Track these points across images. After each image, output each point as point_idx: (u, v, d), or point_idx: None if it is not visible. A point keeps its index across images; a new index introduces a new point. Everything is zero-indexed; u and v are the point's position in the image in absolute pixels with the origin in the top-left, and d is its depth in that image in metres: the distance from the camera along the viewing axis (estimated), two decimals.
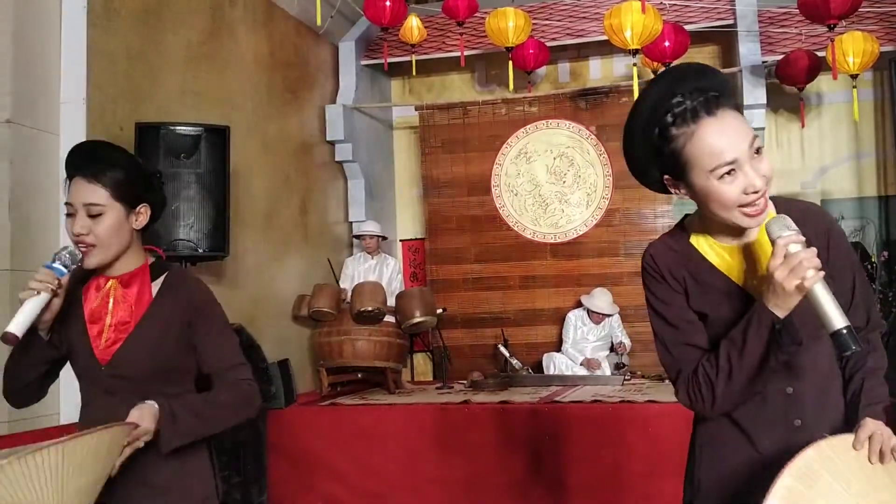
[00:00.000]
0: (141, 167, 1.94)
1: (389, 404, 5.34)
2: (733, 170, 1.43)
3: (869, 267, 6.82)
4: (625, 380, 6.13)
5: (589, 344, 6.75)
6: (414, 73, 7.08)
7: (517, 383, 6.11)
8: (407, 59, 7.09)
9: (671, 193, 1.60)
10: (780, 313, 1.40)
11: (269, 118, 6.25)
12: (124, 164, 1.88)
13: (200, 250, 4.48)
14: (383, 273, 6.67)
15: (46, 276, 1.74)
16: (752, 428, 1.56)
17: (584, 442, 4.68)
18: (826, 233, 1.56)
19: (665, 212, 7.18)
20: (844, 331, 1.30)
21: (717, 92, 1.47)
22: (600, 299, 6.75)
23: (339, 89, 7.43)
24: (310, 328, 6.32)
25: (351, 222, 7.45)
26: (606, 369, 6.50)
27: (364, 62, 7.64)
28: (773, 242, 1.39)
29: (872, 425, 1.43)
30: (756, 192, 1.43)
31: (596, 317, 6.76)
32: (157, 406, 1.74)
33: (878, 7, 6.91)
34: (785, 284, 1.35)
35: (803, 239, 1.38)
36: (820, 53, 6.40)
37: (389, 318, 5.98)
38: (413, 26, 6.81)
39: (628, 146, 1.59)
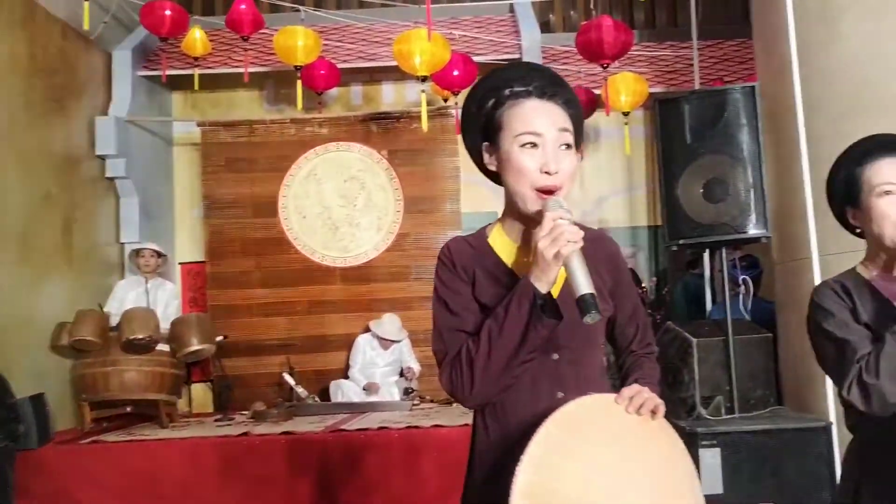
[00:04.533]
0: None
1: (161, 439, 4.99)
2: (536, 144, 1.53)
3: (640, 291, 7.29)
4: (413, 405, 6.10)
5: (378, 369, 6.66)
6: (197, 87, 6.72)
7: (303, 412, 5.89)
8: (190, 72, 6.73)
9: (486, 165, 1.65)
10: (542, 287, 1.46)
11: (28, 128, 5.67)
12: None
13: None
14: (158, 298, 6.23)
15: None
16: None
17: (372, 470, 4.62)
18: (613, 254, 1.71)
19: (455, 236, 7.28)
20: (588, 296, 1.38)
21: (556, 92, 1.59)
22: (389, 325, 6.70)
23: (111, 100, 6.91)
24: (72, 359, 5.75)
25: (123, 244, 6.92)
26: (396, 394, 6.44)
27: (141, 73, 7.17)
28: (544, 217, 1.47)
29: (638, 387, 1.50)
30: (548, 174, 1.51)
31: (385, 342, 6.69)
32: None
33: (649, 51, 7.48)
34: (546, 253, 1.42)
35: (571, 217, 1.46)
36: (597, 91, 6.77)
37: (164, 347, 5.57)
38: (196, 38, 6.49)
39: (465, 112, 1.69)
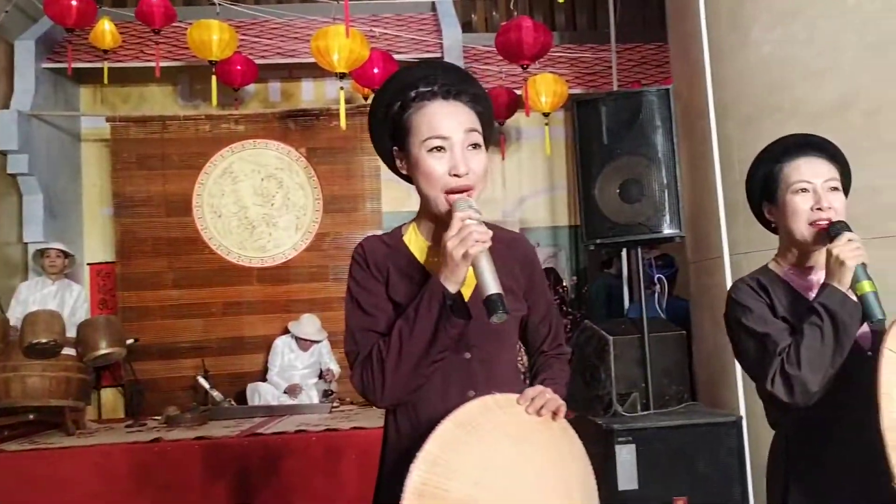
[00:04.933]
0: None
1: (66, 447, 4.80)
2: (443, 147, 1.52)
3: (561, 290, 7.36)
4: (333, 407, 6.02)
5: (297, 371, 6.54)
6: (106, 81, 6.47)
7: (218, 416, 5.75)
8: (99, 65, 6.48)
9: (398, 169, 1.64)
10: (452, 286, 1.46)
11: None
12: None
13: None
14: (65, 300, 5.99)
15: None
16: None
17: (291, 474, 4.53)
18: (528, 256, 1.73)
19: (369, 235, 7.20)
20: (495, 296, 1.38)
21: (461, 90, 1.58)
22: (308, 326, 6.59)
23: (13, 93, 6.59)
24: None
25: (26, 243, 6.63)
26: (315, 397, 6.34)
27: (46, 65, 6.87)
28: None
29: (541, 388, 1.51)
30: (458, 176, 1.50)
31: (304, 343, 6.58)
32: None
33: (569, 53, 7.57)
34: (454, 253, 1.42)
35: (480, 216, 1.46)
36: (518, 91, 6.81)
37: (70, 351, 5.34)
38: (105, 30, 6.26)
39: (372, 116, 1.66)
